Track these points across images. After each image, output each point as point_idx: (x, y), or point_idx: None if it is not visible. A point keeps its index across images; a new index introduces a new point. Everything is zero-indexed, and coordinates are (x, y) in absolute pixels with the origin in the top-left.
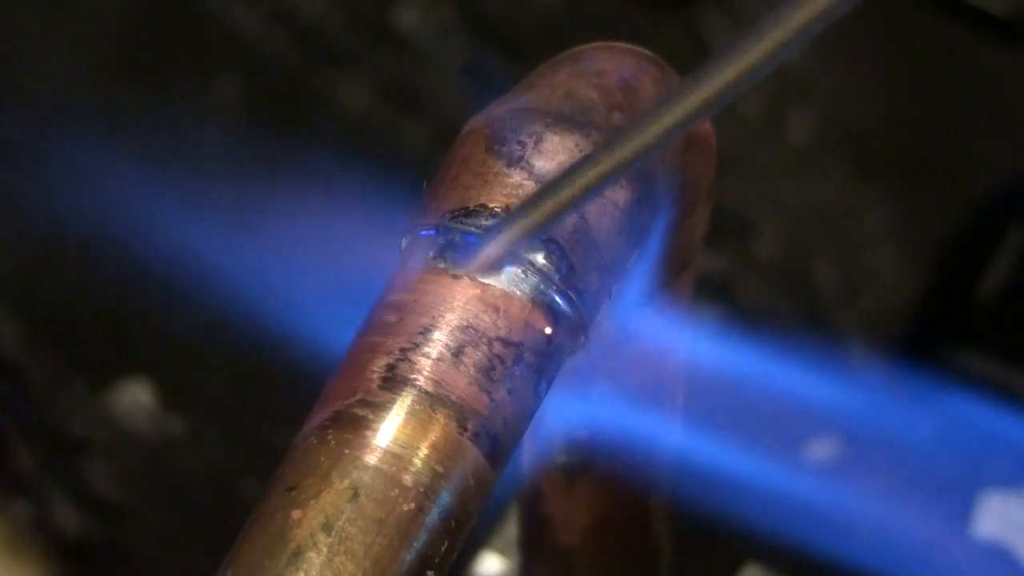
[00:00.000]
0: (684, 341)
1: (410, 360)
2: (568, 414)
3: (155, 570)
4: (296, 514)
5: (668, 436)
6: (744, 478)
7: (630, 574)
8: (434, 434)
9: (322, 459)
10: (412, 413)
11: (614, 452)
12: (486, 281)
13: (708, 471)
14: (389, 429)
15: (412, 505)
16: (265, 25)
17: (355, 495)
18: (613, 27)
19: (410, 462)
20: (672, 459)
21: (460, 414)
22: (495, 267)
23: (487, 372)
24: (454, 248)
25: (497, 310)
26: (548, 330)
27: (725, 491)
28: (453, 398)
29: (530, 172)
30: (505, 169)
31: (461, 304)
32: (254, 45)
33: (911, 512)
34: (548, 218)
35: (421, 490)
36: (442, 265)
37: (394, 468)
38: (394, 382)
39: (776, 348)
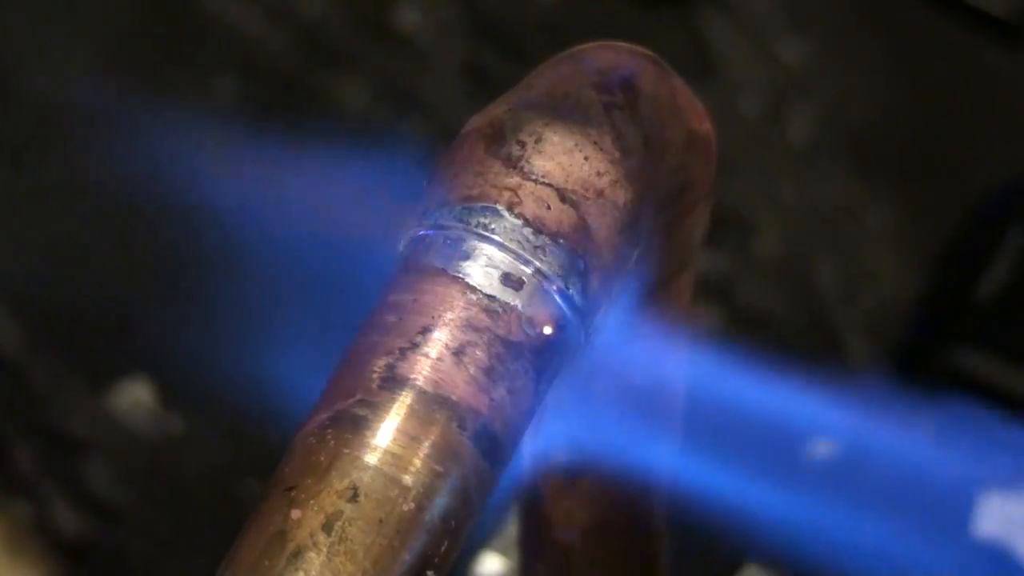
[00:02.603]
0: (684, 341)
1: (410, 360)
2: (568, 415)
3: (155, 570)
4: (296, 514)
5: (667, 437)
6: (744, 481)
7: (630, 574)
8: (434, 434)
9: (322, 459)
10: (412, 413)
11: (613, 453)
12: (486, 281)
13: (707, 474)
14: (389, 429)
15: (412, 505)
16: (265, 25)
17: (355, 495)
18: (613, 27)
19: (410, 462)
20: (671, 461)
21: (460, 414)
22: None
23: (487, 372)
24: (454, 248)
25: (497, 310)
26: (548, 330)
27: (725, 493)
28: (453, 398)
29: (530, 172)
30: (505, 169)
31: (461, 304)
32: (254, 45)
33: (911, 512)
34: None
35: (421, 490)
36: (442, 265)
37: (394, 468)
38: (394, 382)
39: (774, 353)
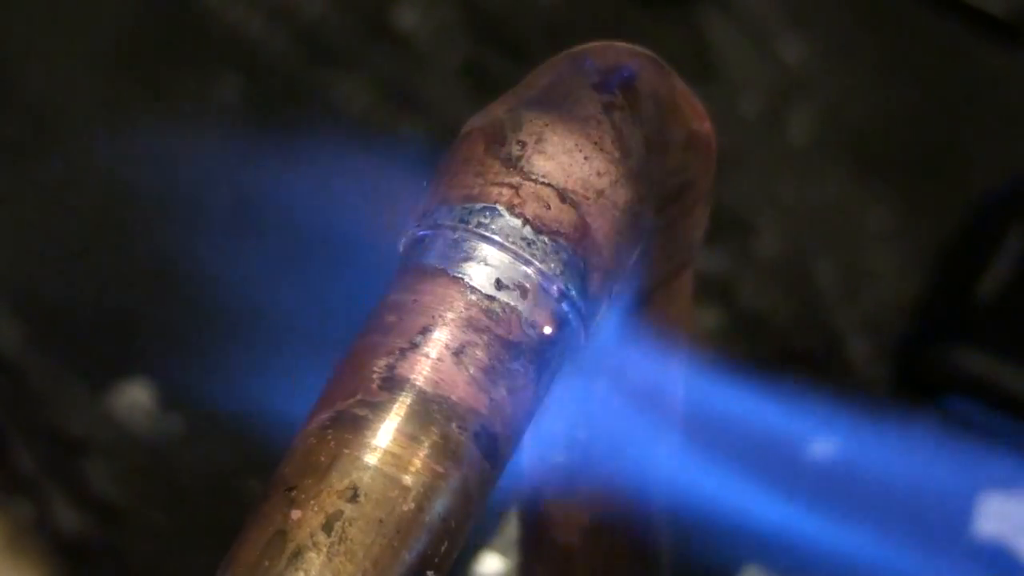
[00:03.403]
0: (684, 340)
1: (410, 360)
2: (568, 414)
3: (155, 570)
4: (296, 514)
5: (666, 439)
6: (742, 484)
7: (630, 574)
8: (434, 434)
9: (322, 459)
10: (412, 413)
11: (611, 455)
12: (486, 281)
13: (706, 477)
14: (389, 429)
15: (412, 505)
16: (265, 25)
17: (355, 495)
18: (613, 27)
19: (410, 462)
20: (670, 462)
21: (460, 414)
22: None
23: (487, 372)
24: (454, 248)
25: (497, 310)
26: (548, 330)
27: (723, 496)
28: (453, 398)
29: (530, 172)
30: (505, 169)
31: (461, 304)
32: (254, 45)
33: (911, 512)
34: None
35: (421, 490)
36: (442, 265)
37: (394, 468)
38: (394, 382)
39: (774, 353)
